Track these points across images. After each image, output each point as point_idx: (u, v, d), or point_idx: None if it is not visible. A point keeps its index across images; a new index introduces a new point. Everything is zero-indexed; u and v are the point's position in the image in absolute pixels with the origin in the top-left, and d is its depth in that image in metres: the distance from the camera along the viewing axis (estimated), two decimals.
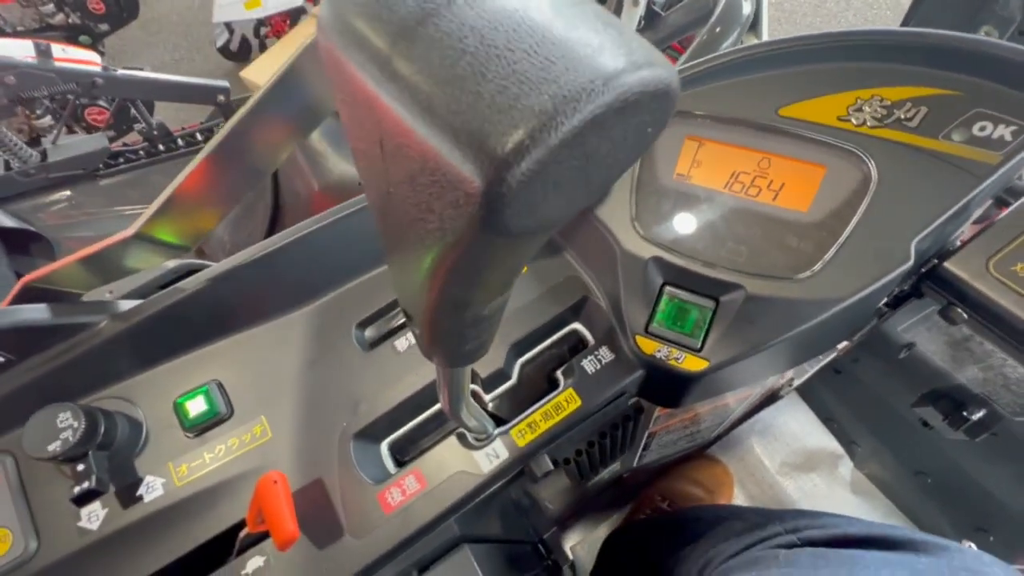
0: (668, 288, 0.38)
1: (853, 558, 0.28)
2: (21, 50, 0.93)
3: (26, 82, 0.89)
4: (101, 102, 1.99)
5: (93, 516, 0.35)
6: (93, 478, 0.33)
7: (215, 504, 0.36)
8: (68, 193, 1.06)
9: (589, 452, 0.42)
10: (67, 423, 0.33)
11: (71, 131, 2.03)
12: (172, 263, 0.50)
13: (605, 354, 0.39)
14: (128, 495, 0.36)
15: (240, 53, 3.00)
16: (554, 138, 0.10)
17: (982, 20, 0.73)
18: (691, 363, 0.36)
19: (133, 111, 1.87)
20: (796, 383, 0.98)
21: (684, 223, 0.38)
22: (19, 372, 0.36)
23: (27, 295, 0.39)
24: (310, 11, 2.74)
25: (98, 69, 0.96)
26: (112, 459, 0.35)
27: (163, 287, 0.48)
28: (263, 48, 2.86)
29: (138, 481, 0.36)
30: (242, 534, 0.36)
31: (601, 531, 0.97)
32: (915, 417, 0.71)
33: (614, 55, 0.10)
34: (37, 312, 0.36)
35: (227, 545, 0.37)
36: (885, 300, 0.49)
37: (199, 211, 0.34)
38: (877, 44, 0.34)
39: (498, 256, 0.13)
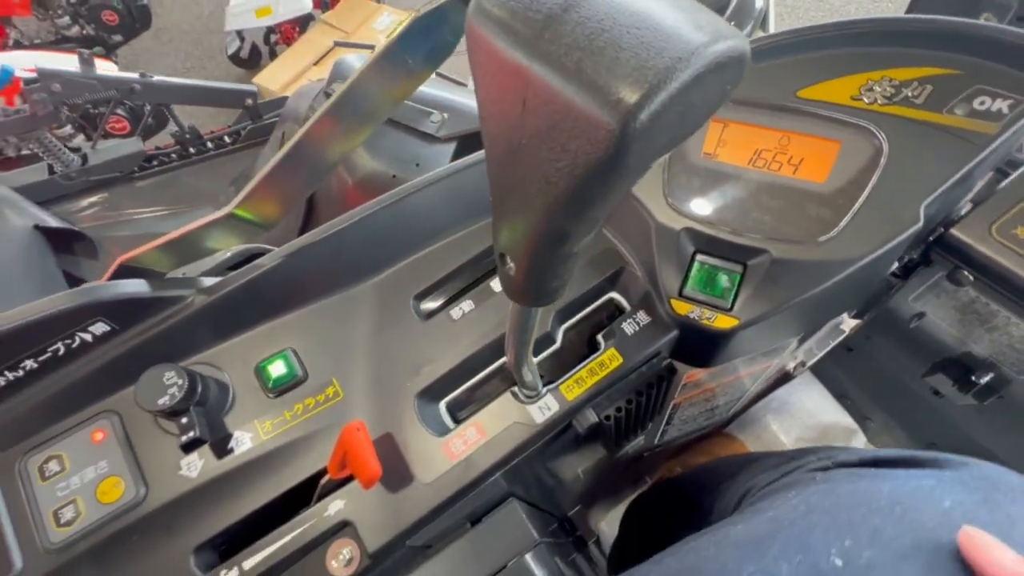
0: (699, 256, 0.42)
1: (884, 474, 0.32)
2: (65, 62, 0.98)
3: (71, 89, 0.94)
4: (120, 111, 2.04)
5: (192, 466, 0.39)
6: (197, 428, 0.37)
7: (296, 456, 0.41)
8: (106, 195, 1.12)
9: (627, 409, 0.46)
10: (173, 381, 0.37)
11: (89, 139, 2.09)
12: (236, 248, 0.54)
13: (642, 317, 0.44)
14: (221, 448, 0.40)
15: (250, 60, 3.06)
16: (672, 88, 0.14)
17: (982, 7, 0.77)
18: (722, 322, 0.40)
19: (151, 119, 1.93)
20: (808, 363, 1.01)
21: (712, 197, 0.42)
22: (122, 341, 0.41)
23: (122, 273, 0.43)
24: (318, 17, 2.80)
25: (135, 76, 1.01)
26: (205, 416, 0.40)
27: (230, 268, 0.53)
28: (273, 55, 2.92)
29: (228, 436, 0.40)
30: (324, 481, 0.40)
31: (619, 510, 1.01)
32: (926, 388, 0.74)
33: (708, 31, 0.14)
34: (139, 286, 0.40)
35: (306, 493, 0.41)
36: (895, 269, 0.53)
37: (282, 195, 0.38)
38: (886, 31, 0.38)
39: (608, 186, 0.17)
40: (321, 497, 0.40)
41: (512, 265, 0.24)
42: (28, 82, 0.91)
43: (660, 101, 0.14)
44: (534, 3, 0.15)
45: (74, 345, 0.39)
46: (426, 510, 0.39)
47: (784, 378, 1.00)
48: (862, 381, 0.93)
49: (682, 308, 0.41)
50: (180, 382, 0.37)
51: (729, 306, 0.40)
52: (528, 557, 0.46)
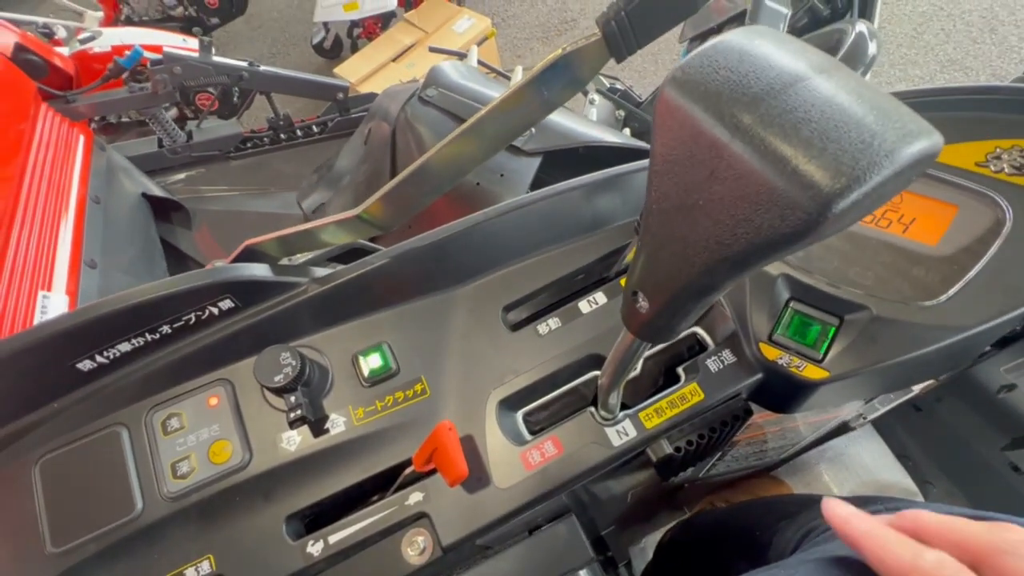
0: (794, 303, 0.42)
1: None
2: (156, 37, 1.07)
3: (189, 72, 1.02)
4: (210, 88, 2.19)
5: (291, 440, 0.43)
6: (303, 408, 0.41)
7: (383, 444, 0.44)
8: (203, 170, 1.20)
9: (699, 443, 0.47)
10: (287, 361, 0.41)
11: (182, 113, 2.24)
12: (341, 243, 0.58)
13: (727, 356, 0.44)
14: (318, 427, 0.43)
15: (332, 51, 3.20)
16: (873, 182, 0.15)
17: None
18: (811, 372, 0.40)
19: (235, 98, 2.04)
20: (870, 417, 0.98)
21: (814, 246, 0.42)
22: (242, 318, 0.45)
23: (245, 255, 0.47)
24: (401, 16, 2.90)
25: (245, 64, 1.09)
26: (308, 396, 0.43)
27: (331, 259, 0.57)
28: (354, 48, 3.05)
29: (325, 417, 0.44)
30: (407, 471, 0.42)
31: (655, 536, 1.00)
32: (1004, 462, 0.70)
33: (908, 129, 0.15)
34: (263, 270, 0.44)
35: (385, 480, 0.44)
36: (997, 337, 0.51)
37: (406, 203, 0.41)
38: (1021, 100, 0.38)
39: (783, 254, 0.18)
40: (402, 487, 0.43)
41: (645, 303, 0.25)
42: (154, 63, 0.99)
43: (861, 192, 0.15)
44: (741, 87, 0.17)
45: (203, 317, 0.43)
46: (501, 514, 0.41)
47: (842, 428, 0.97)
48: (928, 443, 0.89)
49: (771, 353, 0.42)
50: (293, 363, 0.41)
51: (820, 357, 0.40)
52: (582, 574, 0.48)
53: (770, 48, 0.18)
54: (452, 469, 0.38)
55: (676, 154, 0.19)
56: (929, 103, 0.41)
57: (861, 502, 0.44)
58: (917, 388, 0.82)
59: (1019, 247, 0.37)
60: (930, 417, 0.85)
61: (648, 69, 2.45)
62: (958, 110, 0.40)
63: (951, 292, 0.38)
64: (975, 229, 0.38)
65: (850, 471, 0.94)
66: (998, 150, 0.38)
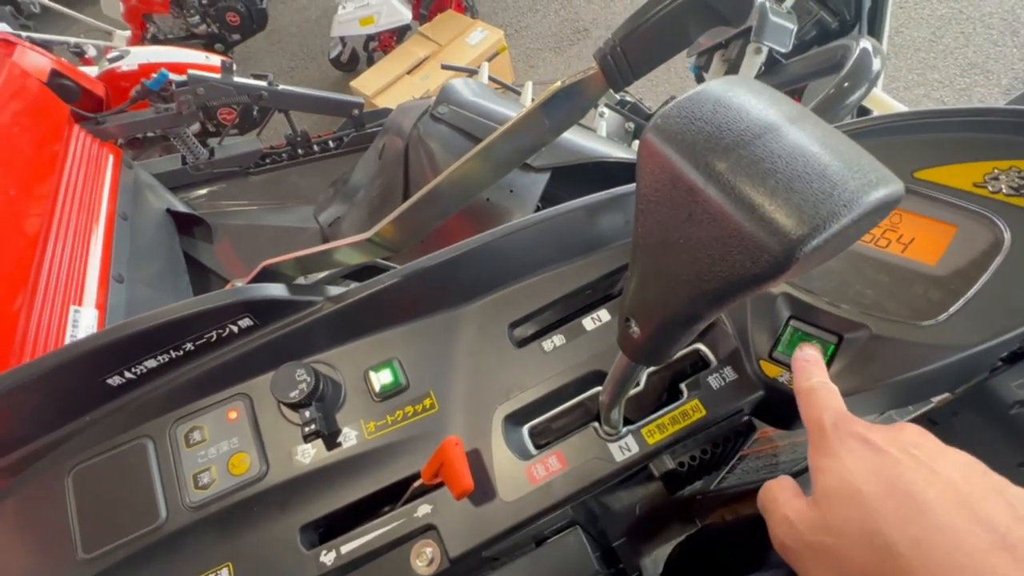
0: (794, 321, 0.43)
1: None
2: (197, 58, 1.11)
3: (211, 93, 1.06)
4: (232, 104, 2.25)
5: (306, 453, 0.45)
6: (317, 422, 0.42)
7: (393, 458, 0.45)
8: (223, 186, 1.25)
9: (702, 458, 0.47)
10: (303, 377, 0.43)
11: (204, 127, 2.32)
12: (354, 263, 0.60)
13: (729, 373, 0.45)
14: (331, 441, 0.45)
15: (348, 64, 3.27)
16: (835, 228, 0.16)
17: None
18: None
19: (255, 113, 2.11)
20: None
21: None
22: (260, 335, 0.47)
23: (263, 275, 0.50)
24: (416, 29, 2.96)
25: (264, 84, 1.13)
26: (322, 411, 0.45)
27: (346, 276, 0.59)
28: (370, 61, 3.12)
29: (338, 431, 0.45)
30: (416, 484, 0.44)
31: (666, 549, 1.00)
32: (1019, 478, 0.69)
33: (870, 178, 0.17)
34: (280, 290, 0.47)
35: (395, 492, 0.46)
36: (1002, 355, 0.50)
37: (415, 226, 0.43)
38: (1018, 123, 0.38)
39: (756, 290, 0.19)
40: (411, 499, 0.44)
41: (637, 329, 0.26)
42: (179, 84, 1.04)
43: (823, 238, 0.16)
44: (715, 137, 0.18)
45: (224, 334, 0.46)
46: (506, 527, 0.42)
47: None
48: None
49: (771, 371, 0.42)
50: (308, 379, 0.43)
51: None
52: None
53: (744, 99, 0.19)
54: (458, 483, 0.39)
55: (658, 195, 0.20)
56: (928, 124, 0.42)
57: None
58: (934, 400, 0.81)
59: (1017, 267, 0.37)
60: (946, 431, 0.83)
61: (660, 78, 2.46)
62: (956, 131, 0.41)
63: (950, 311, 0.38)
64: (974, 249, 0.39)
65: None
66: (996, 171, 0.39)
